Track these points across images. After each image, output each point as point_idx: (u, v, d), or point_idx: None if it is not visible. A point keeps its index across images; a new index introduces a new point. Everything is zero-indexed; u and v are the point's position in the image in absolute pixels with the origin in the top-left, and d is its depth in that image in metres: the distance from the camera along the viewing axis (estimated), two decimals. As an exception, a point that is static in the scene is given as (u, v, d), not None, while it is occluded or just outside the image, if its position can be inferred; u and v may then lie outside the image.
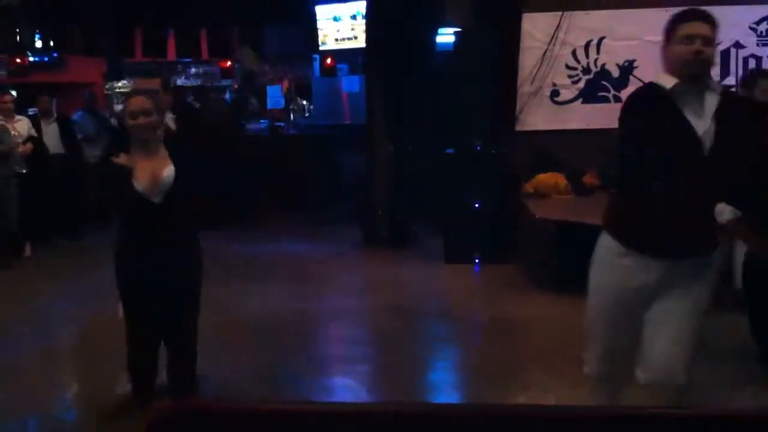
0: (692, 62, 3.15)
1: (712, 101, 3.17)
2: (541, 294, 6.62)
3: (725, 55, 8.36)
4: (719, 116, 3.13)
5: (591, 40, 8.41)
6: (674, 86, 3.18)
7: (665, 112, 3.17)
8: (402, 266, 7.75)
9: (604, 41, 8.39)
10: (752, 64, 8.35)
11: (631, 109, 3.26)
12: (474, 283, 7.48)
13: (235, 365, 5.13)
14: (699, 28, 3.22)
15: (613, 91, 8.43)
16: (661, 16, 8.41)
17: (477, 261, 7.69)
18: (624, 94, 8.31)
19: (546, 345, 5.43)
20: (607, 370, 3.51)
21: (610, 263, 3.39)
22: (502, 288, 6.91)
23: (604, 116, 8.16)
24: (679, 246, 3.20)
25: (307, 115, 13.88)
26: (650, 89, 3.32)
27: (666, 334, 3.23)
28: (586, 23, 8.34)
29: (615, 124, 7.85)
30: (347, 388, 4.90)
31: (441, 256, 7.88)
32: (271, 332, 5.87)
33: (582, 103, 8.49)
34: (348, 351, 5.68)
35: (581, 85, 8.48)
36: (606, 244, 3.43)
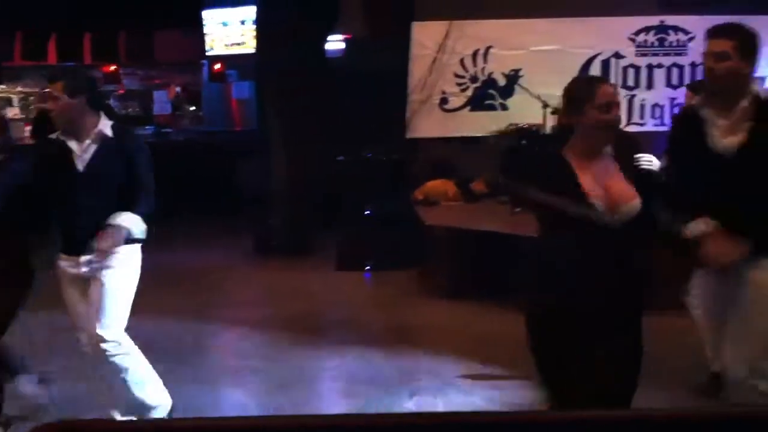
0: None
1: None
2: (433, 300, 6.66)
3: (605, 65, 8.66)
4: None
5: (478, 49, 8.55)
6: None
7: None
8: (295, 275, 7.66)
9: (491, 50, 8.54)
10: (631, 74, 8.67)
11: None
12: (367, 290, 7.47)
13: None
14: (712, 45, 3.33)
15: (499, 99, 8.60)
16: (546, 26, 8.77)
17: (368, 268, 7.68)
18: (509, 102, 8.51)
19: (437, 351, 5.47)
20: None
21: None
22: (395, 295, 6.92)
23: (491, 123, 8.33)
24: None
25: (196, 121, 13.61)
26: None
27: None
28: (474, 32, 8.48)
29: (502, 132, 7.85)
30: (237, 401, 4.81)
31: (336, 263, 7.84)
32: (159, 345, 5.68)
33: (470, 110, 8.62)
34: (238, 363, 5.57)
35: (469, 93, 8.61)
36: None
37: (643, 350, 3.07)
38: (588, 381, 2.94)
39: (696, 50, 8.55)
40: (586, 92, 3.04)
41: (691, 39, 8.58)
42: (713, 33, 3.36)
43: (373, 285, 7.56)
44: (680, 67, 8.65)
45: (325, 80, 8.18)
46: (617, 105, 3.06)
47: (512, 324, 5.82)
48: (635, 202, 2.99)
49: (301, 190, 8.54)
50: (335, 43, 8.57)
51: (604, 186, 2.99)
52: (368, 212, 7.79)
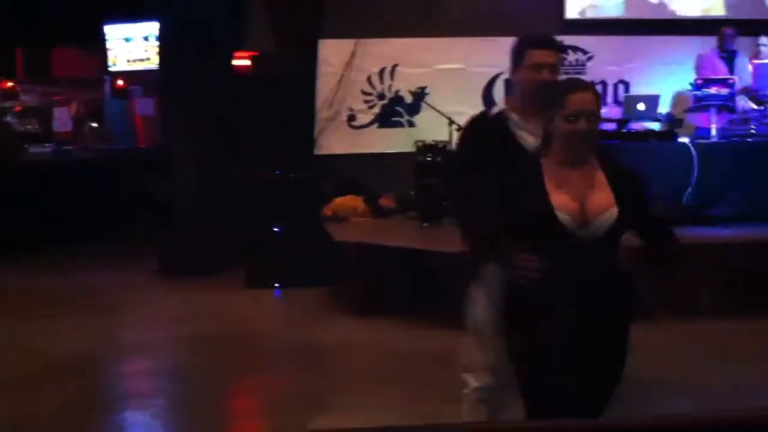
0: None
1: None
2: (344, 317, 6.64)
3: (509, 84, 8.82)
4: None
5: (385, 67, 8.66)
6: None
7: None
8: (203, 295, 7.52)
9: (398, 68, 8.66)
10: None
11: None
12: (277, 308, 7.40)
13: (18, 407, 4.76)
14: (543, 56, 3.31)
15: (406, 116, 8.71)
16: (450, 45, 8.94)
17: (278, 286, 7.62)
18: (416, 119, 8.63)
19: (349, 368, 5.46)
20: (491, 384, 3.46)
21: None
22: (305, 312, 6.87)
23: (398, 140, 8.43)
24: None
25: (98, 138, 13.24)
26: None
27: None
28: (380, 50, 8.58)
29: (409, 149, 8.10)
30: (142, 424, 4.69)
31: (245, 282, 7.74)
32: (61, 369, 5.50)
33: (378, 127, 8.72)
34: (144, 386, 5.44)
35: (377, 110, 8.71)
36: None
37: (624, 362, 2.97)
38: (566, 390, 2.87)
39: (594, 69, 8.87)
40: (556, 100, 2.91)
41: (590, 58, 8.88)
42: (541, 44, 3.36)
43: (283, 303, 7.50)
44: (580, 86, 8.91)
45: (231, 97, 8.10)
46: (591, 114, 2.87)
47: (423, 339, 5.96)
48: (611, 212, 2.84)
49: (208, 208, 8.40)
50: (242, 59, 8.49)
51: (581, 198, 2.85)
52: (277, 230, 7.73)
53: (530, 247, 2.85)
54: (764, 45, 8.00)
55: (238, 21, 8.49)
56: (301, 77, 8.25)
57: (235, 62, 8.37)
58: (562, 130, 2.87)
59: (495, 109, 3.52)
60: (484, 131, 3.45)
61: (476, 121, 3.61)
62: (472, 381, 3.50)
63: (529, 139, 3.22)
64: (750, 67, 7.81)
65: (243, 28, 8.54)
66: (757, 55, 8.00)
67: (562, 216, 2.82)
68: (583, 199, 2.84)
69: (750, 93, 7.82)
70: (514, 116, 3.32)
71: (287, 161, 7.96)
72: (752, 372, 5.13)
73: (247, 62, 8.19)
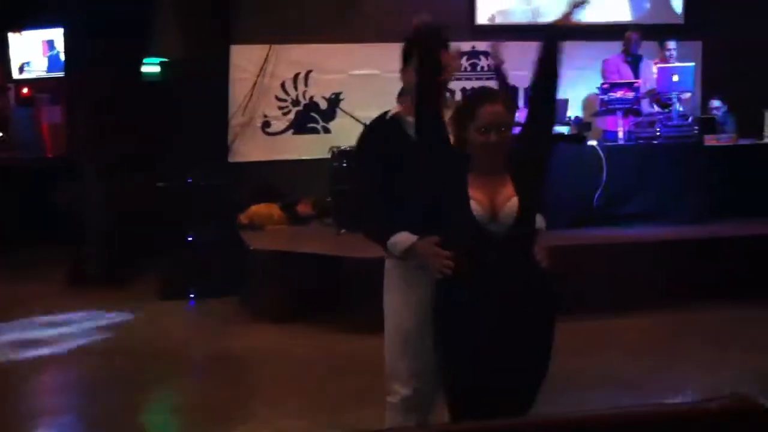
0: None
1: None
2: (261, 326, 6.55)
3: (423, 88, 8.90)
4: None
5: (299, 73, 8.62)
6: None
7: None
8: (114, 305, 7.33)
9: (312, 74, 8.63)
10: (458, 97, 8.98)
11: None
12: (191, 318, 7.27)
13: None
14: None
15: (321, 123, 8.68)
16: (364, 51, 8.95)
17: (192, 296, 7.48)
18: (331, 125, 8.61)
19: (266, 377, 5.40)
20: (419, 390, 3.34)
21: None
22: (221, 322, 6.76)
23: (314, 147, 8.40)
24: None
25: (3, 146, 12.79)
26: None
27: None
28: (294, 56, 8.53)
29: (325, 155, 8.08)
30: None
31: (157, 292, 7.57)
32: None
33: (293, 134, 8.66)
34: (54, 401, 5.26)
35: (291, 116, 8.65)
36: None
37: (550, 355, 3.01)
38: (490, 389, 2.89)
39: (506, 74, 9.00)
40: (468, 112, 2.93)
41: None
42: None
43: (198, 313, 7.36)
44: (492, 91, 9.05)
45: (140, 104, 7.92)
46: (503, 125, 2.89)
47: (337, 345, 5.94)
48: (513, 200, 2.88)
49: (118, 217, 8.20)
50: (151, 65, 8.32)
51: (491, 194, 2.90)
52: (190, 239, 7.58)
53: (447, 243, 2.91)
54: (672, 49, 8.25)
55: (148, 27, 8.32)
56: (213, 83, 8.14)
57: (144, 68, 8.20)
58: (474, 141, 2.91)
59: (391, 112, 3.46)
60: (382, 134, 3.46)
61: (374, 125, 3.63)
62: (399, 389, 3.37)
63: None
64: (654, 71, 8.06)
65: (153, 34, 8.37)
66: (661, 59, 8.26)
67: (475, 207, 2.87)
68: (493, 195, 2.90)
69: (655, 96, 8.07)
70: (408, 119, 3.30)
71: (200, 168, 7.83)
72: (663, 366, 5.29)
73: (157, 68, 8.03)
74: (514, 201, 2.89)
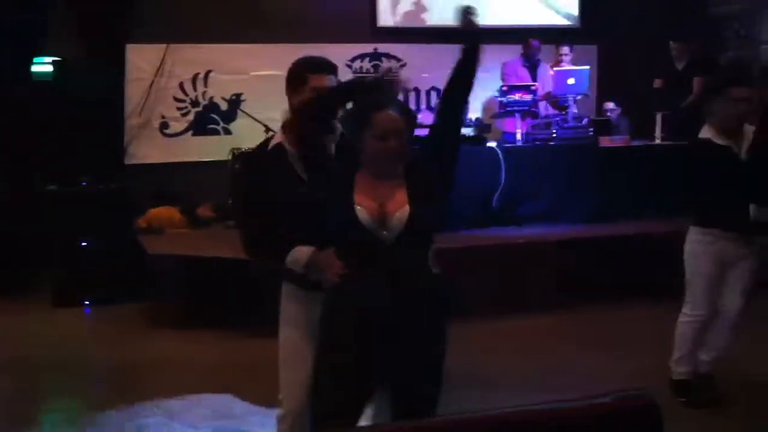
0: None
1: None
2: (162, 332, 6.39)
3: (324, 90, 8.87)
4: None
5: (198, 73, 8.47)
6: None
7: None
8: (5, 315, 7.02)
9: (211, 74, 8.50)
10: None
11: None
12: (87, 327, 7.03)
13: None
14: (323, 80, 3.22)
15: (222, 124, 8.55)
16: (265, 51, 8.87)
17: (88, 303, 7.23)
18: (232, 126, 8.50)
19: (168, 385, 5.25)
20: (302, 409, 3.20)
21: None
22: (120, 330, 6.56)
23: (214, 148, 8.26)
24: None
25: None
26: None
27: None
28: (193, 56, 8.38)
29: (226, 157, 7.95)
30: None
31: (50, 300, 7.28)
32: None
33: (192, 135, 8.51)
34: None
35: (191, 117, 8.50)
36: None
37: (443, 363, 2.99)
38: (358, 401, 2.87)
39: (406, 77, 9.06)
40: (364, 119, 2.87)
41: (402, 66, 9.08)
42: (319, 68, 3.29)
43: (95, 321, 7.11)
44: (394, 93, 9.09)
45: (31, 105, 7.61)
46: (399, 131, 2.85)
47: (238, 351, 5.84)
48: (404, 209, 2.84)
49: (9, 222, 7.85)
50: (43, 65, 8.00)
51: (381, 200, 2.85)
52: (85, 244, 7.33)
53: (338, 253, 2.88)
54: (566, 54, 8.47)
55: (40, 26, 8.01)
56: (108, 83, 7.89)
57: (35, 69, 7.88)
58: (371, 148, 2.86)
59: (273, 142, 3.30)
60: (262, 168, 3.30)
61: (253, 158, 3.53)
62: (286, 404, 3.32)
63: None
64: (551, 74, 8.25)
65: (45, 33, 8.06)
66: (558, 62, 8.46)
67: (361, 213, 2.83)
68: (383, 201, 2.86)
69: (551, 99, 8.26)
70: (291, 149, 3.20)
71: (96, 171, 7.58)
72: (559, 365, 5.40)
73: (49, 68, 7.73)
74: (406, 209, 2.85)
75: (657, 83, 8.56)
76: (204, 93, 8.50)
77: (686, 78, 8.38)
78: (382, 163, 2.88)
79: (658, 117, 8.06)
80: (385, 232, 2.85)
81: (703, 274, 4.51)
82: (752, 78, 8.74)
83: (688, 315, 4.61)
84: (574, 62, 8.44)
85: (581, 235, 7.11)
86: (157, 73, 8.23)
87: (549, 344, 5.91)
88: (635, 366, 5.13)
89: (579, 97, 8.08)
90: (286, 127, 3.29)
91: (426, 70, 8.86)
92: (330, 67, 3.31)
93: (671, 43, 8.47)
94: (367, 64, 9.01)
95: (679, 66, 8.50)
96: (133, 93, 8.19)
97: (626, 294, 6.61)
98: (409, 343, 2.88)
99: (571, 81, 7.95)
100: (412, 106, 9.04)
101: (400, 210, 2.85)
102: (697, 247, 4.54)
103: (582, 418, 1.64)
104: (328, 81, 3.24)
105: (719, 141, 4.41)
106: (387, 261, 2.84)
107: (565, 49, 8.49)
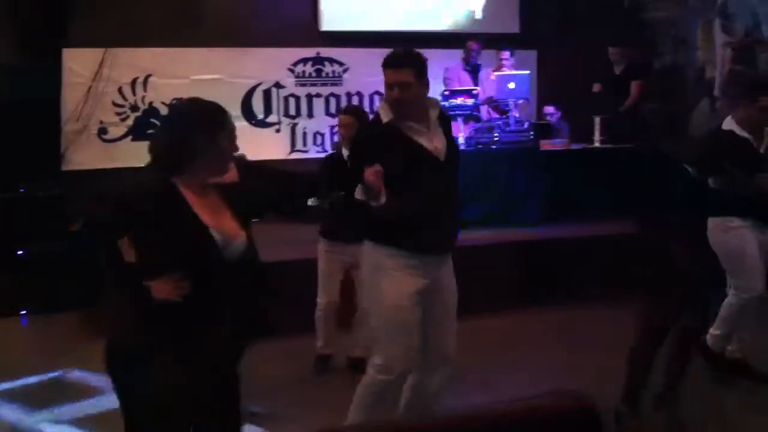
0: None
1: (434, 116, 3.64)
2: (104, 342, 6.23)
3: (267, 94, 8.85)
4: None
5: (137, 78, 8.34)
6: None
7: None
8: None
9: (151, 79, 8.37)
10: (293, 103, 8.96)
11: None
12: (25, 337, 6.86)
13: None
14: (395, 75, 3.51)
15: (162, 129, 8.42)
16: (206, 56, 8.76)
17: (24, 313, 7.05)
18: (173, 131, 8.36)
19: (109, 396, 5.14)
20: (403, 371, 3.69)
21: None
22: (60, 339, 6.38)
23: (156, 154, 8.12)
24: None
25: None
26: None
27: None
28: (132, 60, 8.25)
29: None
30: None
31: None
32: None
33: (132, 140, 8.37)
34: None
35: (130, 122, 8.37)
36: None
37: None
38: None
39: (351, 80, 9.08)
40: (219, 120, 2.83)
41: (345, 70, 9.08)
42: (393, 63, 3.56)
43: (32, 331, 6.93)
44: (337, 97, 9.11)
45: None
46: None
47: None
48: (242, 238, 2.85)
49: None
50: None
51: (218, 217, 2.82)
52: (21, 252, 7.15)
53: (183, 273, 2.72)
54: (506, 59, 8.55)
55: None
56: (45, 89, 7.72)
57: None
58: (225, 150, 2.82)
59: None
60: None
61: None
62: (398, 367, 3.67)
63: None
64: (493, 79, 8.32)
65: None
66: (499, 67, 8.54)
67: (215, 234, 2.78)
68: (220, 219, 2.82)
69: (493, 103, 8.33)
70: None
71: (33, 178, 7.41)
72: (507, 366, 5.44)
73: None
74: (243, 240, 2.86)
75: (595, 88, 8.72)
76: (143, 98, 8.38)
77: (624, 82, 8.55)
78: (225, 166, 2.88)
79: (597, 120, 8.20)
80: (228, 252, 2.85)
81: (745, 254, 4.81)
82: (687, 81, 8.97)
83: (742, 300, 4.86)
84: (514, 67, 8.53)
85: (524, 238, 7.18)
86: (95, 78, 8.07)
87: (498, 346, 5.94)
88: (587, 365, 5.19)
89: (520, 102, 8.16)
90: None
91: (369, 75, 8.87)
92: (399, 60, 3.56)
93: (609, 48, 8.63)
94: (309, 69, 8.99)
95: (617, 71, 8.67)
96: (71, 98, 8.02)
97: (569, 295, 6.69)
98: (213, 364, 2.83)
99: (511, 85, 8.02)
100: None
101: (239, 237, 2.90)
102: (733, 233, 4.83)
103: (520, 418, 1.65)
104: (399, 76, 3.51)
105: (741, 133, 4.81)
106: (227, 280, 2.87)
107: (506, 54, 8.58)
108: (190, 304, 2.69)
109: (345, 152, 4.97)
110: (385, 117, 3.61)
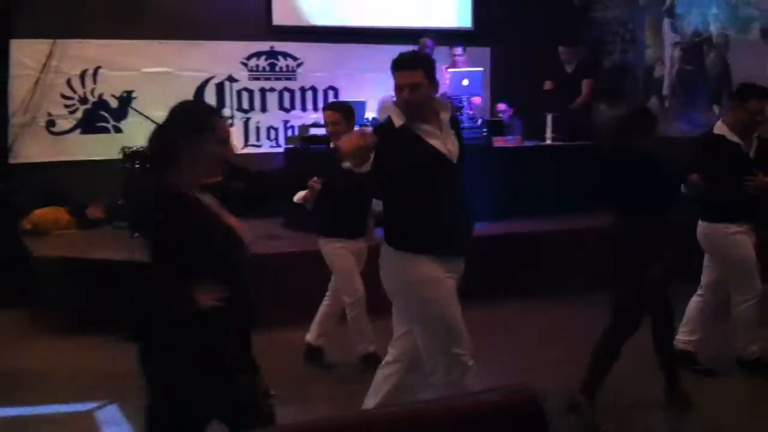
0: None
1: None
2: (48, 339, 6.09)
3: (220, 88, 8.78)
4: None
5: (87, 70, 8.23)
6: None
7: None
8: None
9: (101, 71, 8.26)
10: (246, 97, 8.90)
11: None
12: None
13: None
14: (405, 77, 3.54)
15: (112, 122, 8.33)
16: (158, 49, 8.67)
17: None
18: (123, 124, 8.29)
19: (57, 394, 5.06)
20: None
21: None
22: (3, 337, 6.27)
23: (104, 147, 8.03)
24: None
25: None
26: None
27: None
28: (81, 52, 8.14)
29: (116, 156, 7.73)
30: None
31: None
32: None
33: (81, 133, 8.26)
34: None
35: (79, 115, 8.25)
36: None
37: None
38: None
39: (304, 75, 9.04)
40: (209, 122, 2.88)
41: (299, 65, 9.04)
42: (403, 65, 3.59)
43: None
44: (291, 91, 9.07)
45: None
46: (229, 140, 2.96)
47: (128, 357, 5.62)
48: (248, 233, 2.95)
49: None
50: None
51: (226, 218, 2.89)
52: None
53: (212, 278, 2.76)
54: (459, 55, 8.60)
55: None
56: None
57: None
58: (213, 152, 2.84)
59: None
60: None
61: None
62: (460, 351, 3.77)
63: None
64: (446, 75, 8.35)
65: None
66: (452, 64, 8.58)
67: (242, 236, 2.90)
68: (227, 218, 2.90)
69: (446, 99, 8.35)
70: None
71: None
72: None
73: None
74: (249, 232, 2.94)
75: (547, 85, 8.81)
76: (93, 90, 8.25)
77: (575, 80, 8.65)
78: (214, 167, 2.89)
79: (549, 118, 8.28)
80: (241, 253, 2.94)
81: (747, 257, 4.92)
82: (637, 80, 9.11)
83: (749, 299, 4.94)
84: (467, 64, 8.57)
85: (480, 234, 7.18)
86: (43, 70, 7.94)
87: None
88: (540, 359, 5.25)
89: (473, 98, 8.21)
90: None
91: (323, 70, 8.85)
92: (409, 62, 3.61)
93: (560, 47, 8.72)
94: (263, 63, 8.93)
95: (569, 69, 8.77)
96: (18, 90, 7.87)
97: (519, 289, 6.75)
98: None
99: (465, 82, 8.06)
100: (310, 104, 9.03)
101: (245, 237, 2.97)
102: (732, 239, 4.91)
103: (468, 414, 1.66)
104: (409, 78, 3.53)
105: (732, 138, 4.88)
106: (244, 281, 2.91)
107: (458, 50, 8.62)
108: (229, 304, 2.74)
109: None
110: (398, 120, 3.62)
